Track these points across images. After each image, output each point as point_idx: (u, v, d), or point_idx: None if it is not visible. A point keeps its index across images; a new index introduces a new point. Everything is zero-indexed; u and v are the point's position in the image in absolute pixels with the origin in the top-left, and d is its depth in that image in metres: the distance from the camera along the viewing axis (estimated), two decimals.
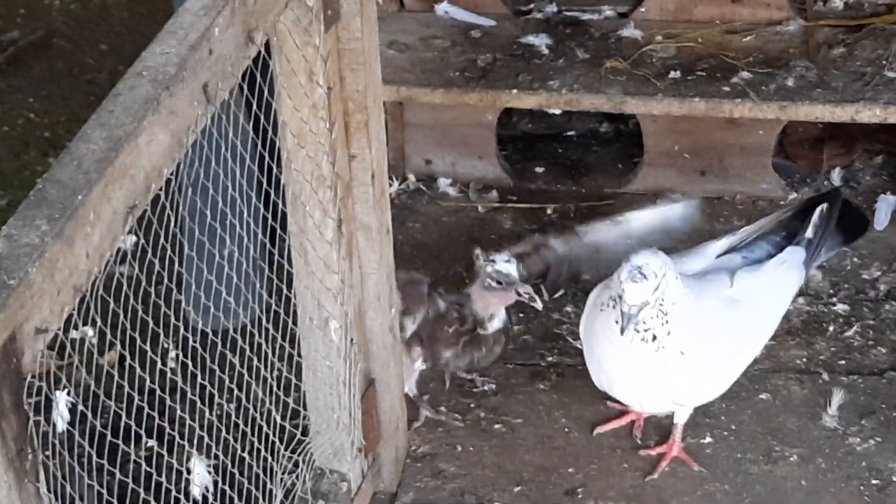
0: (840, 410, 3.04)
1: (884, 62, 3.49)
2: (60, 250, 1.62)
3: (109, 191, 1.72)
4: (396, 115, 3.79)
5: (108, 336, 2.08)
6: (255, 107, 2.37)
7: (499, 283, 2.90)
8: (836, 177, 3.76)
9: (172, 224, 2.20)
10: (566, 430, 3.05)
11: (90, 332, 2.97)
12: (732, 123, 3.62)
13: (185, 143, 1.91)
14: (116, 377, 2.31)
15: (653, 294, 2.62)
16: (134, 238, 2.01)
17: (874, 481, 2.91)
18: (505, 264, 2.91)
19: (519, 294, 2.89)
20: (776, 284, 2.89)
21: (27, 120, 4.37)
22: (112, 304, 1.98)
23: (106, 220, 1.71)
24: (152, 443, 2.89)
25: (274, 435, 2.61)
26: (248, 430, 2.59)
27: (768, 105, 3.41)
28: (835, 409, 3.04)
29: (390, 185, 3.64)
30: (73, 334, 1.99)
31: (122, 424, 2.16)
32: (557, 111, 3.57)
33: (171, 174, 1.90)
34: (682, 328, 2.69)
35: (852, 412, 3.05)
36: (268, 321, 2.61)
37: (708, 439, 3.00)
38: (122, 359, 3.11)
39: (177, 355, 2.97)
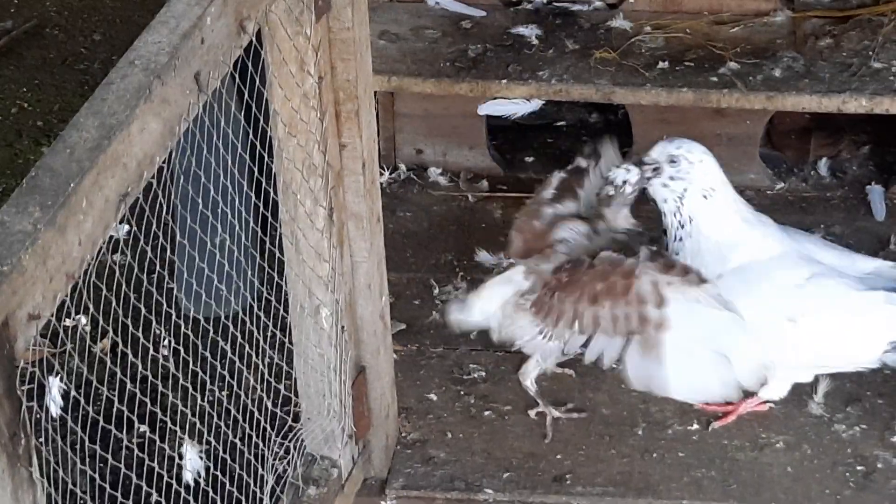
0: (826, 398, 3.06)
1: (870, 53, 3.50)
2: (53, 237, 1.63)
3: (102, 179, 1.73)
4: (387, 105, 3.80)
5: (101, 323, 2.10)
6: (246, 96, 2.38)
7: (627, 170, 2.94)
8: (823, 167, 3.78)
9: (164, 212, 2.22)
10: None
11: (83, 319, 3.00)
12: (720, 114, 3.63)
13: (178, 132, 1.92)
14: (109, 364, 2.33)
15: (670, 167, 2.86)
16: (126, 226, 2.03)
17: (859, 468, 2.93)
18: (616, 167, 2.95)
19: (641, 163, 2.93)
20: (848, 310, 2.82)
21: (20, 109, 4.38)
22: (105, 292, 2.00)
23: (98, 207, 1.73)
24: (145, 429, 2.91)
25: (265, 421, 2.63)
26: (240, 416, 2.61)
27: (755, 95, 3.42)
28: (821, 397, 3.06)
29: (381, 174, 3.67)
30: (67, 322, 2.01)
31: (115, 411, 2.18)
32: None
33: (164, 162, 1.91)
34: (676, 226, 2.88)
35: (838, 399, 3.07)
36: (259, 309, 2.63)
37: (695, 426, 3.03)
38: (114, 346, 3.14)
39: (169, 342, 2.99)
